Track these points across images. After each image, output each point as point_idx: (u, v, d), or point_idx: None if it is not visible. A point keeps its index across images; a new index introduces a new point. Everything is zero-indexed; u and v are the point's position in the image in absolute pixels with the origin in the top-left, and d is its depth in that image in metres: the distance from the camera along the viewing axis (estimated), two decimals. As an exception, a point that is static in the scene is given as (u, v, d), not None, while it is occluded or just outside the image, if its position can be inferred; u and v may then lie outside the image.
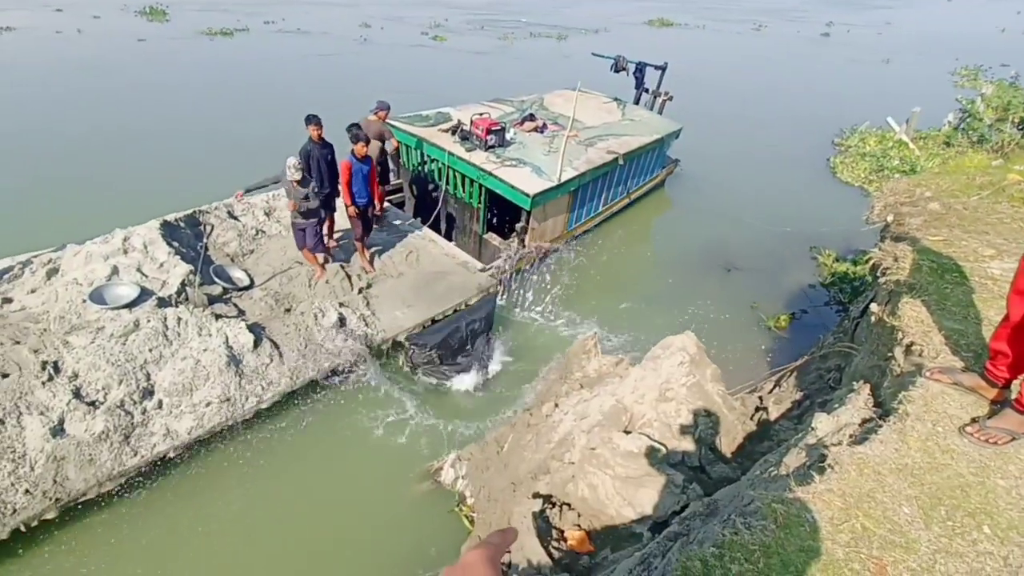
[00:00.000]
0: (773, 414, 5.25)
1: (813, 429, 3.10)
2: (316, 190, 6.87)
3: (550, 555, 4.34)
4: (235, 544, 5.08)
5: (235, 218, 8.51)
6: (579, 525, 4.65)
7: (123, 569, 4.79)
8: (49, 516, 4.71)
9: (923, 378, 2.95)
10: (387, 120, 8.38)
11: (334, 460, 5.99)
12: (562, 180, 8.26)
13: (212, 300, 6.84)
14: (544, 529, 4.57)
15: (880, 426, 2.68)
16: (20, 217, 9.21)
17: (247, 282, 7.33)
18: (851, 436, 2.80)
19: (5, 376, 5.42)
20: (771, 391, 6.19)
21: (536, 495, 4.91)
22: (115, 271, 6.81)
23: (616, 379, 5.85)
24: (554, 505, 4.83)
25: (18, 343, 5.80)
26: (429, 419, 6.50)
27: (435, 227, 9.44)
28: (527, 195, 7.84)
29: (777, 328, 8.39)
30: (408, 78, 20.24)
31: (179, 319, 6.14)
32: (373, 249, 8.17)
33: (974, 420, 2.67)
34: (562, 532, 4.64)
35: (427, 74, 21.16)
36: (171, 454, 5.35)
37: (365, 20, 30.59)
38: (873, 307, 4.87)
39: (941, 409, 2.76)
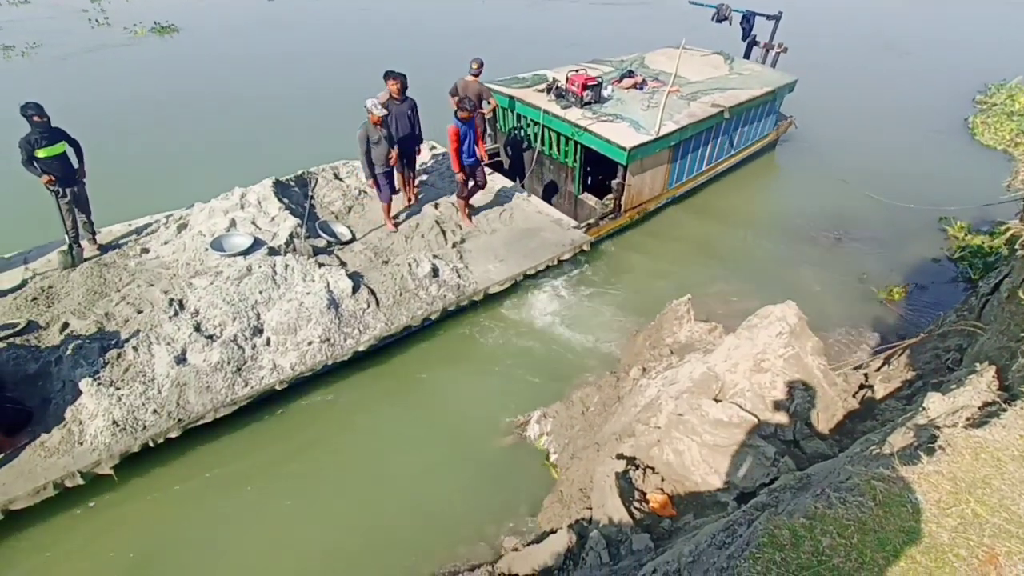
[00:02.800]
0: (879, 393, 4.94)
1: (924, 409, 2.90)
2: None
3: (631, 515, 4.41)
4: (326, 487, 5.49)
5: (340, 179, 9.00)
6: (662, 489, 4.66)
7: (239, 489, 5.36)
8: (173, 435, 5.31)
9: None
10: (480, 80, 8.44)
11: (424, 409, 6.30)
12: (661, 134, 7.96)
13: (317, 251, 7.35)
14: (627, 490, 4.63)
15: (1004, 410, 2.46)
16: (161, 180, 10.19)
17: (349, 237, 7.78)
18: (968, 419, 2.60)
19: (140, 312, 6.18)
20: (879, 369, 5.81)
21: (620, 456, 4.97)
22: (233, 224, 7.48)
23: (708, 346, 5.72)
24: (638, 467, 4.86)
25: (152, 285, 6.58)
26: (518, 371, 6.68)
27: (531, 190, 9.47)
28: (623, 148, 7.64)
29: (889, 301, 7.76)
30: (528, 35, 20.05)
31: (287, 265, 6.66)
32: (468, 210, 8.37)
33: None
34: (644, 494, 4.68)
35: (545, 30, 20.86)
36: (277, 387, 5.84)
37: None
38: (1006, 283, 4.39)
39: (1081, 397, 2.49)
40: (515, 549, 5.15)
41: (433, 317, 6.75)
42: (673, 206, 9.70)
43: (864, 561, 1.91)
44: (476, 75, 8.23)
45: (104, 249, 7.17)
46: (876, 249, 8.96)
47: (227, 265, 6.73)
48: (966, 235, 8.98)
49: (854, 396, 5.10)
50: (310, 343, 6.08)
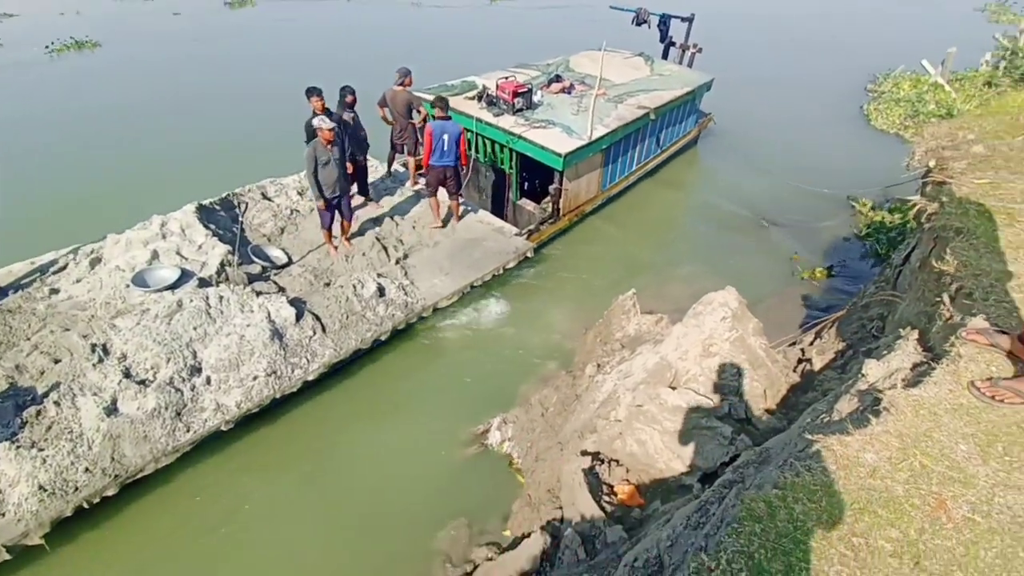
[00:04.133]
0: (817, 365, 5.29)
1: (863, 375, 3.15)
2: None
3: (602, 509, 4.52)
4: (291, 520, 5.30)
5: (269, 199, 8.71)
6: (628, 480, 4.80)
7: (181, 545, 5.01)
8: (110, 493, 4.90)
9: (958, 338, 2.91)
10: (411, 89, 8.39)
11: (382, 429, 6.19)
12: (593, 138, 8.21)
13: (252, 279, 7.06)
14: (594, 485, 4.73)
15: (933, 369, 2.72)
16: (63, 210, 9.46)
17: (285, 260, 7.54)
18: (903, 380, 2.85)
19: (57, 362, 5.67)
20: (812, 343, 6.21)
21: (584, 453, 5.07)
22: (155, 255, 7.03)
23: (657, 337, 5.94)
24: (603, 462, 4.98)
25: (67, 330, 6.06)
26: (474, 381, 6.69)
27: (469, 198, 9.51)
28: (559, 155, 7.82)
29: (814, 280, 8.33)
30: (454, 40, 20.10)
31: (221, 297, 6.32)
32: (409, 220, 8.30)
33: (989, 378, 2.63)
34: (612, 487, 4.80)
35: (470, 36, 20.95)
36: (223, 428, 5.53)
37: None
38: (916, 253, 4.83)
39: (997, 355, 2.78)
40: (489, 559, 5.16)
41: (383, 338, 6.66)
42: (609, 206, 10.00)
43: (835, 521, 2.06)
44: (403, 85, 8.17)
45: (3, 292, 6.55)
46: (797, 231, 9.59)
47: (153, 302, 6.34)
48: (871, 212, 9.74)
49: (794, 370, 5.44)
50: (255, 378, 5.82)
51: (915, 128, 12.73)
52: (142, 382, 5.52)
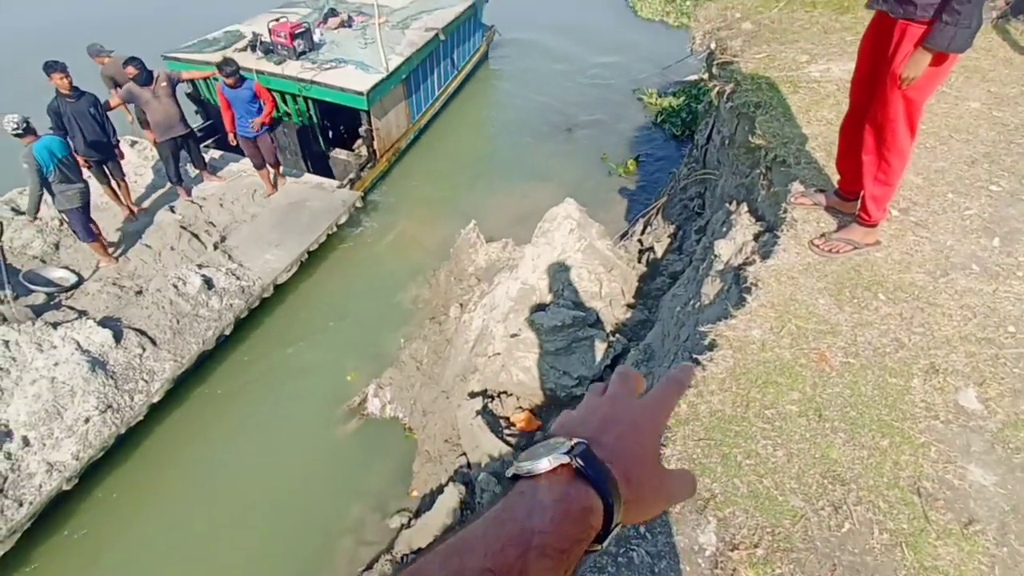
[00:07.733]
0: (659, 252, 5.70)
1: (717, 256, 3.40)
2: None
3: (506, 442, 4.56)
4: (186, 544, 4.79)
5: (23, 213, 7.04)
6: (521, 407, 4.89)
7: None
8: None
9: (788, 205, 3.22)
10: (169, 56, 7.10)
11: (253, 430, 5.66)
12: (391, 69, 7.73)
13: (39, 311, 5.87)
14: (491, 422, 4.75)
15: (778, 237, 2.99)
16: None
17: (74, 279, 6.30)
18: (754, 252, 3.12)
19: None
20: (644, 231, 6.68)
21: (472, 394, 5.04)
22: None
23: (510, 262, 5.95)
24: (492, 397, 5.00)
25: None
26: (335, 355, 6.26)
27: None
28: (361, 93, 7.30)
29: (627, 173, 8.90)
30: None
31: (5, 343, 5.23)
32: (214, 200, 7.24)
33: (822, 234, 2.96)
34: (507, 418, 4.86)
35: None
36: (65, 487, 4.76)
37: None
38: (719, 131, 5.29)
39: (822, 212, 3.14)
40: (405, 525, 5.04)
41: (227, 332, 5.94)
42: (421, 138, 9.62)
43: (746, 400, 2.21)
44: (103, 53, 6.96)
45: None
46: (599, 130, 10.07)
47: None
48: (658, 99, 10.51)
49: (640, 261, 5.82)
50: (87, 420, 4.98)
51: (674, 14, 13.81)
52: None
